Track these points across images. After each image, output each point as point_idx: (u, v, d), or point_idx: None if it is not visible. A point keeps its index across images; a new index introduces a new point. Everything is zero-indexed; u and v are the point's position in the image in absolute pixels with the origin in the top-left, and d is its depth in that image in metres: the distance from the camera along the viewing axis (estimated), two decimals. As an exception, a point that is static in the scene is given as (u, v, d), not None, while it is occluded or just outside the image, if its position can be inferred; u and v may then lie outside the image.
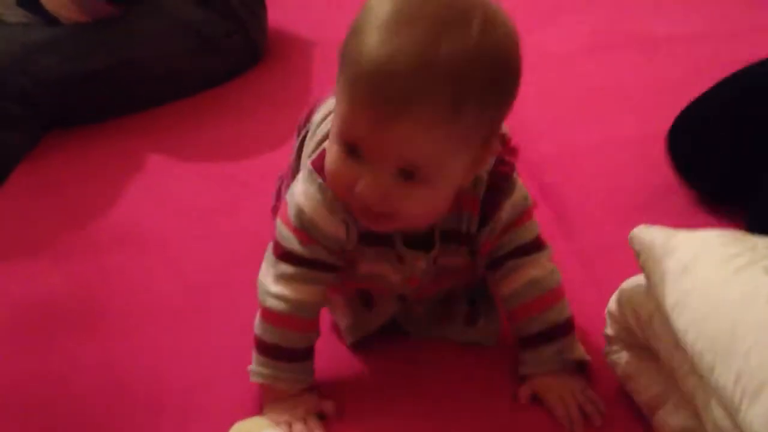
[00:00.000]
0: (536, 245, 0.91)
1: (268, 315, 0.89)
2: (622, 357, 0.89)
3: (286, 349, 0.89)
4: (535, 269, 0.91)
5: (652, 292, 0.78)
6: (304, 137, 1.03)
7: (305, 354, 0.91)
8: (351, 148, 0.76)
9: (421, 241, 0.89)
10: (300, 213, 0.86)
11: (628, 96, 1.49)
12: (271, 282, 0.88)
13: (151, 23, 1.62)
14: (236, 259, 1.17)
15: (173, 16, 1.64)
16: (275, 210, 1.17)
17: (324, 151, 0.84)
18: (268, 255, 0.90)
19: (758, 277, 0.71)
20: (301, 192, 0.86)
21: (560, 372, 0.91)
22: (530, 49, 1.72)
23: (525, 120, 1.42)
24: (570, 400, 0.89)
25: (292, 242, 0.87)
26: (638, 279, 0.83)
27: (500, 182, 0.87)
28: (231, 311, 1.07)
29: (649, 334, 0.81)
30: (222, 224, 1.26)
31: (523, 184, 0.91)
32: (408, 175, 0.75)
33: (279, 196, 1.16)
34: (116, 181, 1.40)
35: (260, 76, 1.76)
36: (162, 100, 1.65)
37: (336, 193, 0.82)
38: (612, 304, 0.88)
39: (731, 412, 0.67)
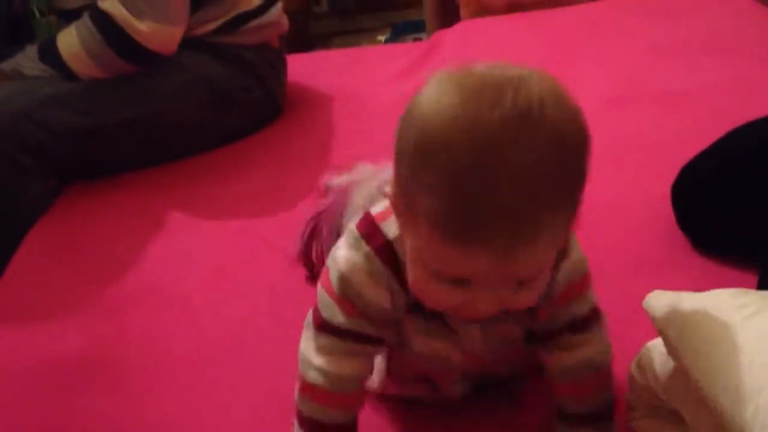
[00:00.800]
0: (593, 317, 0.87)
1: (309, 389, 0.85)
2: (645, 423, 0.88)
3: (328, 425, 0.85)
4: (591, 348, 0.87)
5: (669, 352, 0.78)
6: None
7: (347, 429, 0.87)
8: (459, 281, 0.72)
9: None
10: (343, 280, 0.82)
11: (646, 150, 1.48)
12: (313, 354, 0.84)
13: (170, 79, 1.64)
14: (255, 315, 1.17)
15: (192, 72, 1.66)
16: (302, 255, 1.19)
17: (370, 216, 0.82)
18: (308, 324, 0.86)
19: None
20: (344, 259, 0.82)
21: None
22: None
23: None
24: None
25: (334, 311, 0.83)
26: (657, 341, 0.82)
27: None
28: (250, 368, 1.07)
29: (672, 396, 0.80)
30: (240, 280, 1.26)
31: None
32: (520, 283, 0.73)
33: (308, 241, 1.17)
34: (135, 237, 1.40)
35: (280, 131, 1.77)
36: (181, 154, 1.67)
37: (427, 305, 0.79)
38: (633, 368, 0.87)
39: None
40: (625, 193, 1.36)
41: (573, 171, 0.71)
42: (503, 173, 0.66)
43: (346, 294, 0.82)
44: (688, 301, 0.79)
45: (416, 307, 0.83)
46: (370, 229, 0.81)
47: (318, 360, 0.84)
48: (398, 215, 0.76)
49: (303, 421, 0.86)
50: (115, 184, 1.59)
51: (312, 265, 1.20)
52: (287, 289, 1.22)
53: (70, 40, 1.56)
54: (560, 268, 0.83)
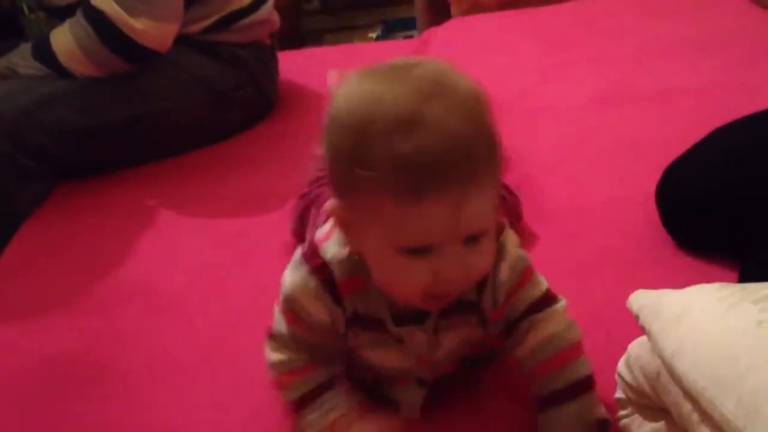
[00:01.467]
0: (547, 300, 0.90)
1: (281, 380, 0.93)
2: (634, 420, 0.88)
3: (315, 389, 0.91)
4: (552, 324, 0.89)
5: (653, 347, 0.79)
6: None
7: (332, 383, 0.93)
8: (422, 249, 0.77)
9: (412, 315, 0.88)
10: (287, 299, 0.89)
11: (640, 149, 1.48)
12: (271, 354, 0.93)
13: (164, 77, 1.64)
14: (246, 314, 1.17)
15: (185, 70, 1.66)
16: (296, 233, 1.25)
17: (313, 240, 0.89)
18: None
19: (748, 307, 0.73)
20: (288, 280, 0.89)
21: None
22: (542, 101, 1.75)
23: (537, 171, 1.43)
24: None
25: (281, 323, 0.91)
26: (643, 339, 0.83)
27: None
28: (242, 367, 1.07)
29: (659, 391, 0.80)
30: (232, 279, 1.26)
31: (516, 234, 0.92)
32: (473, 239, 0.78)
33: (300, 219, 1.22)
34: (126, 235, 1.40)
35: (272, 128, 1.78)
36: (174, 152, 1.67)
37: (400, 297, 0.84)
38: (621, 366, 0.87)
39: None
40: (617, 191, 1.36)
41: (487, 124, 0.76)
42: (433, 128, 0.72)
43: (292, 308, 0.89)
44: (670, 297, 0.80)
45: (356, 321, 0.89)
46: (310, 252, 0.88)
47: (276, 356, 0.92)
48: (345, 221, 0.81)
49: (296, 404, 0.92)
50: (105, 181, 1.59)
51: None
52: (277, 287, 1.21)
53: (64, 38, 1.56)
54: (499, 270, 0.87)
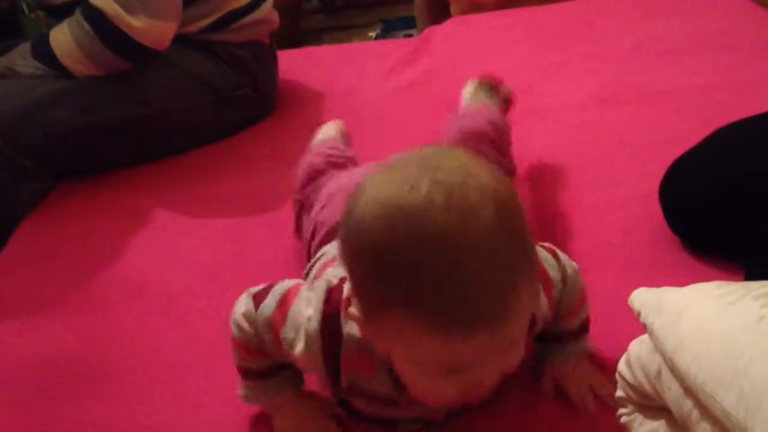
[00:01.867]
0: (584, 327, 0.99)
1: (236, 344, 0.92)
2: (635, 419, 0.88)
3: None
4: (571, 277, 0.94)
5: (654, 344, 0.79)
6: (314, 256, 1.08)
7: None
8: (459, 369, 0.74)
9: None
10: (290, 328, 0.85)
11: (639, 148, 1.48)
12: (239, 317, 0.90)
13: (163, 77, 1.64)
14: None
15: (185, 70, 1.66)
16: (296, 229, 1.25)
17: (340, 297, 0.84)
18: (240, 301, 0.92)
19: (749, 303, 0.73)
20: (299, 311, 0.85)
21: (577, 361, 0.97)
22: (537, 100, 1.76)
23: (533, 170, 1.43)
24: (585, 386, 0.95)
25: (264, 313, 0.88)
26: (644, 338, 0.83)
27: None
28: (234, 367, 1.06)
29: (660, 390, 0.80)
30: (228, 279, 1.25)
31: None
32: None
33: (298, 215, 1.24)
34: (123, 236, 1.40)
35: (271, 129, 1.77)
36: (173, 151, 1.67)
37: (431, 403, 0.83)
38: (622, 365, 0.87)
39: None
40: (614, 192, 1.36)
41: (522, 228, 0.72)
42: (468, 257, 0.68)
43: (281, 340, 0.86)
44: (671, 294, 0.79)
45: (353, 392, 0.88)
46: (332, 310, 0.84)
47: (243, 320, 0.89)
48: (367, 333, 0.78)
49: (243, 372, 0.94)
50: (103, 181, 1.59)
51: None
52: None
53: (62, 37, 1.56)
54: (541, 306, 0.88)
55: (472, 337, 0.69)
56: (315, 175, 1.24)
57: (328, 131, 1.40)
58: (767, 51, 1.79)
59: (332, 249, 1.00)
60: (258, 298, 0.89)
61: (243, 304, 0.90)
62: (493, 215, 0.68)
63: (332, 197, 1.13)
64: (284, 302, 0.87)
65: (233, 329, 0.91)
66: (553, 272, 0.91)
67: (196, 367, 1.09)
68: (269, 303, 0.88)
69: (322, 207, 1.14)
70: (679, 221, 1.21)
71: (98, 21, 1.51)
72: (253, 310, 0.88)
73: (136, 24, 1.50)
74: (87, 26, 1.52)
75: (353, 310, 0.77)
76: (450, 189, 0.68)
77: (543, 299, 0.88)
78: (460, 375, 0.74)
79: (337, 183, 1.17)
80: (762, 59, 1.75)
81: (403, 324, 0.70)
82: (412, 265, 0.68)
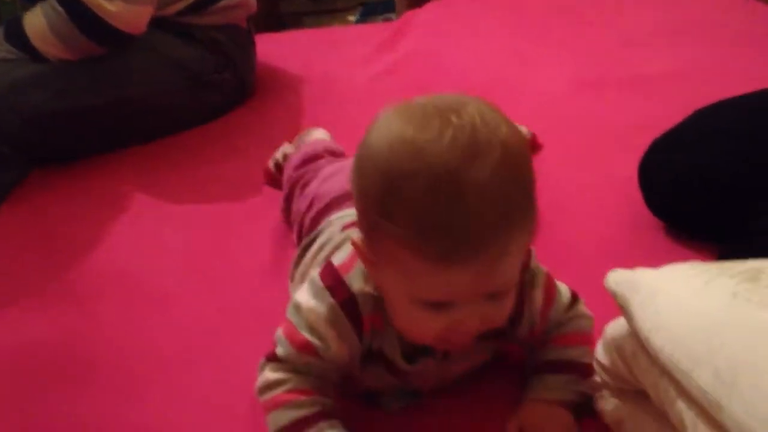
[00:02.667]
0: (574, 300, 0.93)
1: (275, 400, 0.85)
2: (609, 403, 0.88)
3: (309, 416, 0.84)
4: (572, 320, 0.92)
5: (630, 324, 0.79)
6: (311, 235, 1.05)
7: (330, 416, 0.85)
8: (442, 304, 0.76)
9: (422, 348, 0.87)
10: (310, 329, 0.84)
11: (618, 134, 1.48)
12: (268, 374, 0.86)
13: (140, 60, 1.62)
14: (225, 303, 1.15)
15: (162, 54, 1.64)
16: (284, 215, 1.25)
17: (333, 267, 0.85)
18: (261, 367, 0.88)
19: (725, 282, 0.73)
20: (308, 309, 0.85)
21: (556, 405, 0.89)
22: (521, 85, 1.75)
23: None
24: None
25: (288, 350, 0.85)
26: (620, 320, 0.83)
27: (523, 274, 0.86)
28: (221, 358, 1.05)
29: (636, 372, 0.80)
30: (210, 267, 1.24)
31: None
32: (495, 295, 0.77)
33: (286, 202, 1.23)
34: (103, 222, 1.38)
35: (249, 113, 1.76)
36: (151, 136, 1.66)
37: (414, 338, 0.83)
38: (598, 349, 0.87)
39: (715, 412, 0.67)
40: (594, 176, 1.36)
41: (527, 178, 0.75)
42: (473, 196, 0.70)
43: (310, 338, 0.84)
44: (647, 274, 0.79)
45: (370, 356, 0.87)
46: (334, 282, 0.84)
47: (275, 375, 0.85)
48: (369, 260, 0.79)
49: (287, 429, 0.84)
50: (81, 167, 1.57)
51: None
52: (259, 273, 1.21)
53: (36, 21, 1.53)
54: (534, 298, 0.88)
55: (458, 265, 0.72)
56: (313, 158, 1.25)
57: (317, 134, 1.40)
58: (748, 39, 1.80)
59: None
60: (271, 355, 0.87)
61: (267, 369, 0.86)
62: (498, 158, 0.71)
63: (334, 175, 1.14)
64: (291, 332, 0.85)
65: (269, 394, 0.85)
66: (563, 296, 0.92)
67: (181, 359, 1.06)
68: (282, 344, 0.86)
69: (323, 181, 1.14)
70: (657, 201, 1.21)
71: (72, 5, 1.48)
72: (277, 364, 0.86)
73: (110, 8, 1.48)
74: (60, 10, 1.49)
75: (356, 237, 0.80)
76: (461, 128, 0.72)
77: (538, 296, 0.88)
78: (444, 311, 0.76)
79: (338, 165, 1.17)
80: (742, 47, 1.76)
81: (397, 246, 0.73)
82: (414, 190, 0.71)
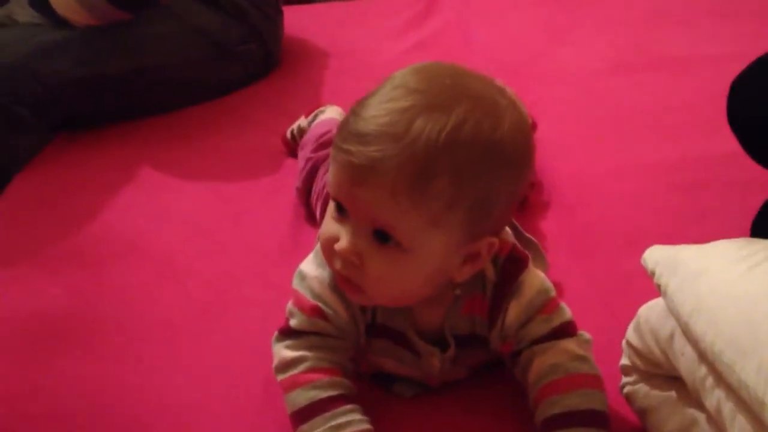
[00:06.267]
0: (558, 333, 0.85)
1: (293, 380, 0.84)
2: (640, 389, 0.85)
3: (328, 398, 0.83)
4: (554, 355, 0.84)
5: (669, 306, 0.75)
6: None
7: (351, 399, 0.84)
8: (338, 205, 0.78)
9: (435, 340, 0.87)
10: (314, 295, 0.85)
11: (650, 118, 1.45)
12: (284, 352, 0.85)
13: (165, 29, 1.60)
14: (237, 274, 1.15)
15: (187, 22, 1.62)
16: (300, 193, 1.25)
17: None
18: (274, 341, 0.87)
19: None
20: (313, 276, 0.86)
21: None
22: (549, 65, 1.71)
23: (542, 137, 1.39)
24: None
25: (300, 318, 0.85)
26: (656, 301, 0.80)
27: (507, 283, 0.85)
28: (230, 327, 1.05)
29: (671, 355, 0.77)
30: (224, 238, 1.23)
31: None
32: (383, 237, 0.76)
33: (306, 179, 1.23)
34: (119, 191, 1.37)
35: (273, 85, 1.74)
36: (173, 106, 1.64)
37: (325, 258, 0.83)
38: (630, 331, 0.84)
39: (757, 408, 0.63)
40: (623, 161, 1.33)
41: (464, 160, 0.73)
42: (392, 108, 0.73)
43: (318, 306, 0.85)
44: (688, 252, 0.76)
45: (373, 328, 0.87)
46: None
47: (292, 353, 0.84)
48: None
49: (304, 411, 0.82)
50: (101, 135, 1.56)
51: (309, 204, 1.23)
52: (273, 248, 1.20)
53: (57, -14, 1.51)
54: (508, 309, 0.85)
55: (342, 154, 0.75)
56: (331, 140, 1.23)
57: (332, 112, 1.39)
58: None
59: None
60: (285, 329, 0.86)
61: (282, 346, 0.86)
62: (462, 115, 0.73)
63: None
64: (300, 300, 0.86)
65: (287, 373, 0.84)
66: (553, 323, 0.86)
67: (187, 326, 1.06)
68: (294, 314, 0.86)
69: None
70: (755, 144, 1.04)
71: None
72: (293, 339, 0.85)
73: None
74: None
75: None
76: (452, 84, 0.76)
77: (515, 310, 0.85)
78: (339, 220, 0.78)
79: None
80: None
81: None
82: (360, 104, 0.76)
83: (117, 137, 1.55)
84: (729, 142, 1.03)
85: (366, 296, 0.80)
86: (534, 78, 1.60)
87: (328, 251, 0.80)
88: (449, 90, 0.75)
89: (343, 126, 0.77)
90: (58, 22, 1.54)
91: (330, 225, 0.80)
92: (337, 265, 0.79)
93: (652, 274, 0.77)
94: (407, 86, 0.75)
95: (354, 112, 0.76)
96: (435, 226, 0.75)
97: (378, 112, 0.74)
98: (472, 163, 0.74)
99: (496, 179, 0.76)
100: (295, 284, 0.87)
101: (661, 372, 0.82)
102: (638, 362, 0.84)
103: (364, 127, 0.74)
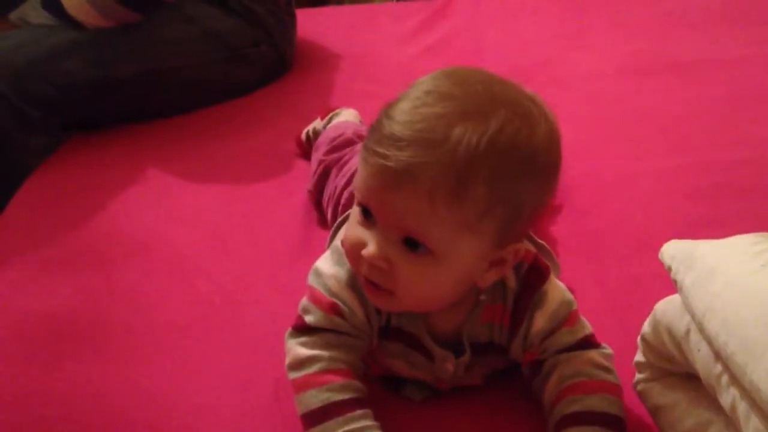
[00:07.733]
0: (581, 345, 0.86)
1: (306, 380, 0.82)
2: (653, 387, 0.84)
3: (341, 401, 0.81)
4: (582, 364, 0.84)
5: (684, 303, 0.74)
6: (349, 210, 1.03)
7: (362, 404, 0.82)
8: (365, 210, 0.78)
9: (450, 344, 0.86)
10: (331, 293, 0.84)
11: (662, 122, 1.44)
12: (298, 350, 0.84)
13: (178, 31, 1.60)
14: (248, 276, 1.14)
15: (200, 24, 1.62)
16: (312, 195, 1.25)
17: None
18: (287, 338, 0.86)
19: None
20: (329, 274, 0.85)
21: None
22: (559, 70, 1.71)
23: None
24: None
25: (317, 315, 0.84)
26: (672, 297, 0.79)
27: (529, 292, 0.84)
28: (240, 329, 1.05)
29: (686, 350, 0.76)
30: (235, 240, 1.23)
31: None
32: (413, 244, 0.76)
33: (318, 181, 1.22)
34: (131, 192, 1.37)
35: (285, 88, 1.74)
36: (185, 108, 1.64)
37: (350, 264, 0.82)
38: (646, 327, 0.83)
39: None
40: (635, 166, 1.32)
41: (500, 167, 0.73)
42: (428, 114, 0.73)
43: (334, 303, 0.84)
44: (705, 248, 0.75)
45: (387, 331, 0.86)
46: None
47: (306, 351, 0.83)
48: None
49: (316, 413, 0.81)
50: (113, 137, 1.56)
51: (320, 206, 1.23)
52: (283, 250, 1.20)
53: (69, -12, 1.52)
54: (534, 319, 0.84)
55: (374, 157, 0.74)
56: (345, 143, 1.24)
57: (347, 115, 1.39)
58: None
59: None
60: (299, 326, 0.85)
61: (296, 343, 0.84)
62: (485, 126, 0.72)
63: None
64: (317, 296, 0.85)
65: (301, 372, 0.83)
66: (577, 334, 0.86)
67: (197, 327, 1.06)
68: (310, 310, 0.85)
69: None
70: None
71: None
72: (308, 337, 0.84)
73: None
74: None
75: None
76: (485, 90, 0.75)
77: (540, 319, 0.84)
78: (365, 225, 0.78)
79: None
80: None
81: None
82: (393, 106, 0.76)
83: (129, 139, 1.55)
84: (742, 148, 1.03)
85: (395, 302, 0.80)
86: (545, 82, 1.60)
87: (354, 257, 0.79)
88: (483, 96, 0.75)
89: (376, 129, 0.76)
90: (70, 23, 1.55)
91: (355, 229, 0.79)
92: (364, 270, 0.79)
93: (669, 269, 0.77)
94: (439, 91, 0.75)
95: (387, 115, 0.75)
96: (468, 233, 0.75)
97: (413, 117, 0.73)
98: (508, 170, 0.74)
99: (528, 187, 0.76)
100: (311, 281, 0.86)
101: (673, 368, 0.81)
102: (652, 358, 0.83)
103: (400, 131, 0.73)
